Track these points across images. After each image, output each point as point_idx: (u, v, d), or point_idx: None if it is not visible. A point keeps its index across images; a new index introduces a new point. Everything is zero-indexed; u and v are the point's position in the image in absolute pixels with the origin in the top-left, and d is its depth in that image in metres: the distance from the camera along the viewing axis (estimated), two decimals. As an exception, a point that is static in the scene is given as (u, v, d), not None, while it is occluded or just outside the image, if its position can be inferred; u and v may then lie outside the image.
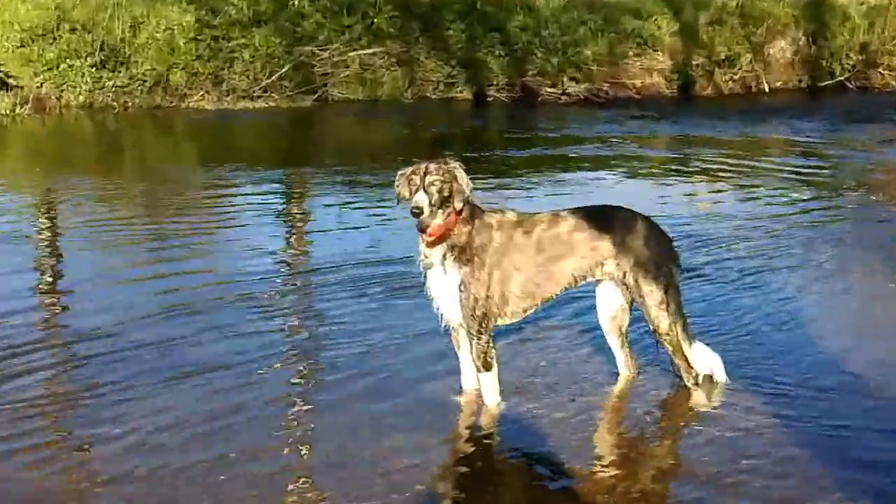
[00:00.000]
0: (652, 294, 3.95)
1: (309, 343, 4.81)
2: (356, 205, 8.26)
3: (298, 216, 8.12)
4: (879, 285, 5.91)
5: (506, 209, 4.00)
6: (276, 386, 4.19)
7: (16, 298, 5.21)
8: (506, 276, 3.81)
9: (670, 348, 3.96)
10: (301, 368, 4.46)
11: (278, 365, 4.41)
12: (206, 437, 3.61)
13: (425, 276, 3.91)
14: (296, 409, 3.96)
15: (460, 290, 3.78)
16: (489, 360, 3.84)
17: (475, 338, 3.84)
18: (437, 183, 3.74)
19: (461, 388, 4.10)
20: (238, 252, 6.48)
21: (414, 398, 4.00)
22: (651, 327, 3.97)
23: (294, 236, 7.37)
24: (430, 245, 3.78)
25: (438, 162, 3.83)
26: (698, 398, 3.94)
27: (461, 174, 3.80)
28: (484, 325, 3.81)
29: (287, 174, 10.23)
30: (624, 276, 3.93)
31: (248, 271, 5.91)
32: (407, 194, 3.80)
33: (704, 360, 4.06)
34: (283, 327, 4.94)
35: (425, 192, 3.73)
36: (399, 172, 3.85)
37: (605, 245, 3.93)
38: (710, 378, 4.05)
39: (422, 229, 3.79)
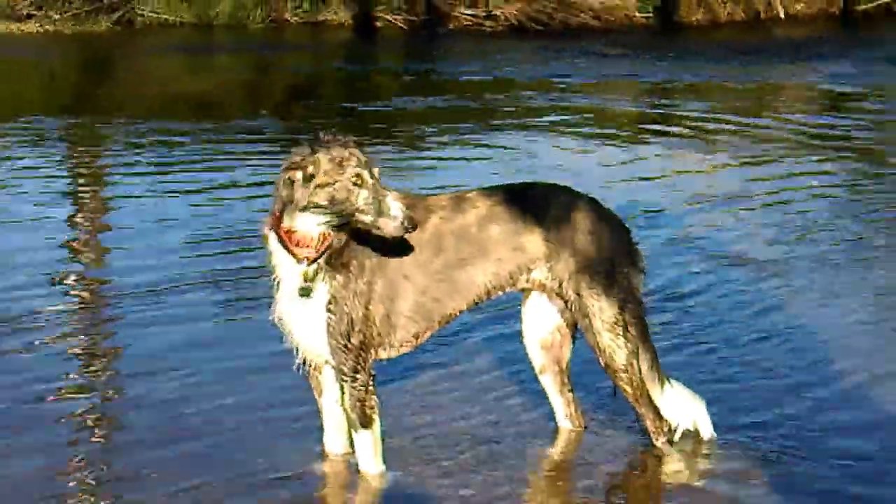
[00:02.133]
0: (602, 312, 4.04)
1: (101, 381, 5.26)
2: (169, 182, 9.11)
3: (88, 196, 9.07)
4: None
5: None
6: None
7: None
8: (391, 289, 3.98)
9: (630, 391, 4.03)
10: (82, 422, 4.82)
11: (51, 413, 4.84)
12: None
13: (275, 297, 4.05)
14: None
15: (328, 311, 3.93)
16: (368, 410, 3.95)
17: (349, 379, 3.96)
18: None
19: (324, 452, 4.22)
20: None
21: (245, 471, 4.10)
22: (601, 361, 4.05)
23: (84, 226, 8.20)
24: (313, 260, 3.92)
25: (334, 140, 3.97)
26: (672, 465, 4.09)
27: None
28: (362, 360, 3.93)
29: (71, 133, 11.06)
30: (560, 286, 4.01)
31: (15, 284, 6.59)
32: (359, 207, 3.89)
33: (682, 407, 4.16)
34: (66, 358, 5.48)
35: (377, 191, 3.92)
36: (303, 170, 3.90)
37: (534, 242, 4.02)
38: (690, 434, 4.17)
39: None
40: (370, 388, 3.99)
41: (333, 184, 3.95)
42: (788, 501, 4.06)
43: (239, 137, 11.17)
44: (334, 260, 3.95)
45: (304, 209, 3.90)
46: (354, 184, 3.94)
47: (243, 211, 8.29)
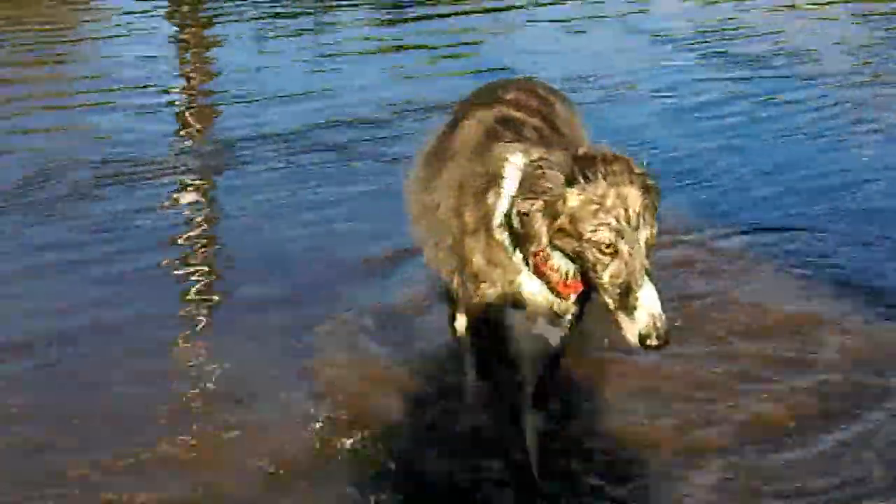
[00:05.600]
0: None
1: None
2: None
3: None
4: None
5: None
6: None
7: None
8: None
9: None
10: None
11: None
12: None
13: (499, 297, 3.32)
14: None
15: (569, 328, 3.40)
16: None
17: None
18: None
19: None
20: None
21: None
22: None
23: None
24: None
25: (604, 164, 2.93)
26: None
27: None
28: None
29: None
30: None
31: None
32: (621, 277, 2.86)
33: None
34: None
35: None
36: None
37: None
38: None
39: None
40: None
41: (578, 238, 2.92)
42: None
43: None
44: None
45: (552, 247, 3.01)
46: (602, 252, 2.89)
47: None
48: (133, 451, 4.10)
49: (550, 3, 12.81)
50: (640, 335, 2.85)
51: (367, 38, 11.17)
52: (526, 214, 2.97)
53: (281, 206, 6.64)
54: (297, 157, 7.46)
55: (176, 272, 5.84)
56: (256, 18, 11.80)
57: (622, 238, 2.84)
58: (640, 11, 12.09)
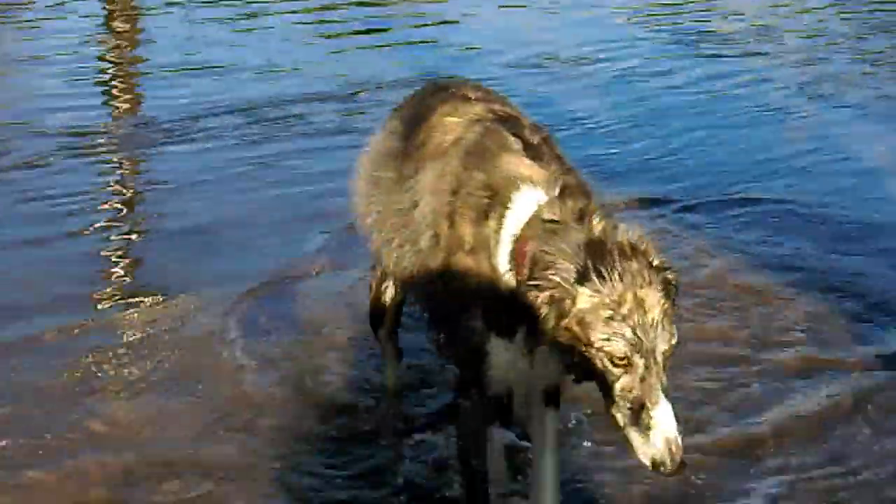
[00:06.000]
0: None
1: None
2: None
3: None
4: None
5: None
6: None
7: None
8: None
9: None
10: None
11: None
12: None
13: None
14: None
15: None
16: None
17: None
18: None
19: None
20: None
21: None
22: None
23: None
24: None
25: (624, 259, 2.62)
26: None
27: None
28: None
29: None
30: None
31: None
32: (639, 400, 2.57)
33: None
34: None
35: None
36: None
37: None
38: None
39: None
40: None
41: (586, 343, 2.63)
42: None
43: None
44: None
45: (554, 345, 2.71)
46: (615, 364, 2.61)
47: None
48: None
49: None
50: (653, 461, 2.57)
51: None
52: (529, 305, 2.67)
53: (210, 181, 6.59)
54: (232, 130, 7.50)
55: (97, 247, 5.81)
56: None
57: (637, 351, 2.55)
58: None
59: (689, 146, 7.18)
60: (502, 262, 2.83)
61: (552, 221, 2.71)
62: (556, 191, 2.81)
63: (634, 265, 2.57)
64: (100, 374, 4.61)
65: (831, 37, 10.23)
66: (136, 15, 10.63)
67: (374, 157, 3.64)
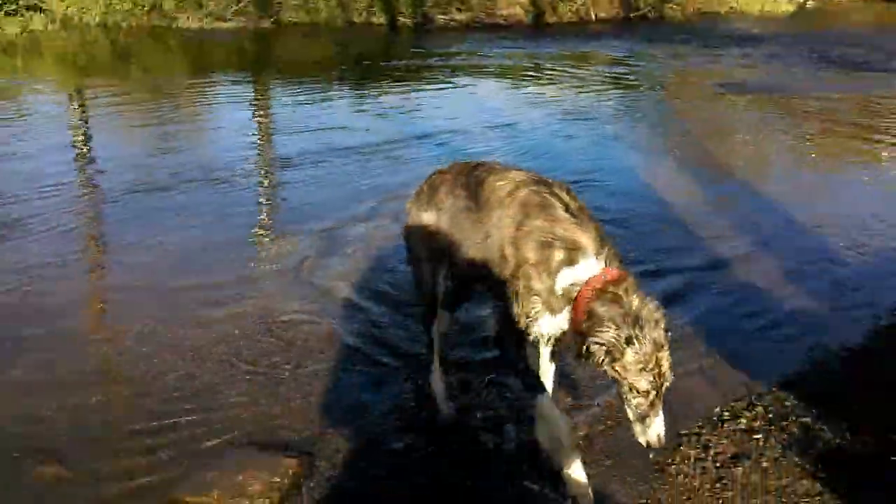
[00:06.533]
0: None
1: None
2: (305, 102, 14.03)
3: (261, 111, 13.68)
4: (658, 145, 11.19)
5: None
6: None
7: (61, 164, 9.99)
8: None
9: None
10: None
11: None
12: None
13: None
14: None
15: None
16: None
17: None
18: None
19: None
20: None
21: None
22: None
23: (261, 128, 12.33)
24: None
25: (649, 334, 3.69)
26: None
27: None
28: None
29: (252, 77, 16.86)
30: None
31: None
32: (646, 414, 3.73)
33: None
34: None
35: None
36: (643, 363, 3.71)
37: None
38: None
39: None
40: None
41: (623, 377, 3.68)
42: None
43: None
44: None
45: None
46: (638, 393, 3.67)
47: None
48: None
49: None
50: (648, 443, 3.71)
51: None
52: (590, 351, 3.66)
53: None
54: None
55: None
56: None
57: (653, 389, 3.61)
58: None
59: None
60: (558, 288, 3.87)
61: (607, 291, 3.67)
62: (604, 261, 3.82)
63: (657, 334, 3.59)
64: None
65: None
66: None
67: (449, 212, 4.49)
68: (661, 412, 3.72)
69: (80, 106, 13.92)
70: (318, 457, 4.65)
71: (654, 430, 3.72)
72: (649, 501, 4.29)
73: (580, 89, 15.34)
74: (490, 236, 4.12)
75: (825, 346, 5.71)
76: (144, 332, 5.99)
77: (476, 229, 4.22)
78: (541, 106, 13.76)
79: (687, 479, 4.43)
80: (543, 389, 4.20)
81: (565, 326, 3.93)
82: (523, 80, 16.60)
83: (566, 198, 3.99)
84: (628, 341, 3.63)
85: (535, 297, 3.92)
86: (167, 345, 5.80)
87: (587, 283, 3.77)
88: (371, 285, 6.65)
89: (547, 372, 4.43)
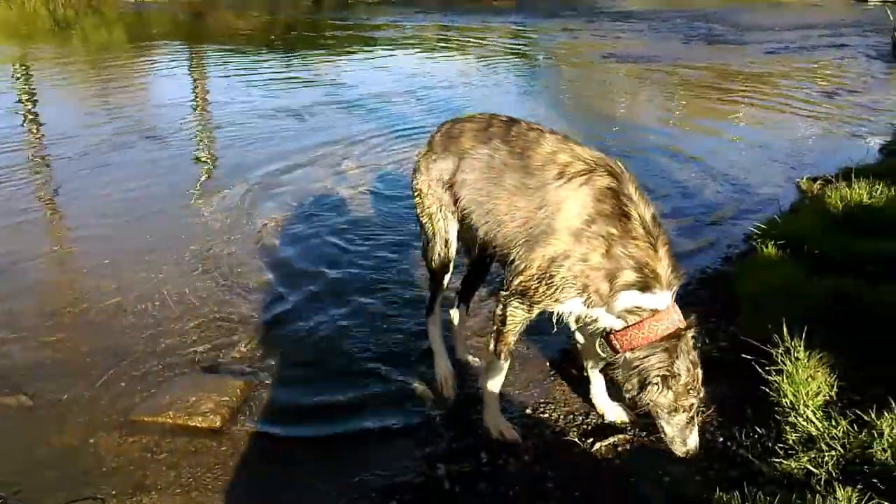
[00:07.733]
0: None
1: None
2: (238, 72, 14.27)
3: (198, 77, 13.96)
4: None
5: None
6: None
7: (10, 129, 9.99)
8: None
9: None
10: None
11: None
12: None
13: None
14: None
15: None
16: None
17: None
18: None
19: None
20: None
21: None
22: None
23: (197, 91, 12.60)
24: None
25: (692, 371, 3.67)
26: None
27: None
28: None
29: (187, 46, 17.08)
30: None
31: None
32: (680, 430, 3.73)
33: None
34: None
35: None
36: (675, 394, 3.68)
37: None
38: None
39: None
40: None
41: (668, 398, 3.63)
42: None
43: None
44: None
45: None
46: (680, 409, 3.64)
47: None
48: None
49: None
50: (685, 454, 3.71)
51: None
52: (652, 380, 3.57)
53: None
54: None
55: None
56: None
57: (695, 406, 3.66)
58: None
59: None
60: (617, 308, 3.58)
61: (672, 337, 3.53)
62: (672, 299, 3.60)
63: (699, 371, 3.61)
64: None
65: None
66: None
67: (481, 159, 3.92)
68: (696, 426, 3.76)
69: (24, 75, 13.75)
70: (262, 378, 4.77)
71: (689, 445, 3.74)
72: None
73: (484, 58, 16.10)
74: (544, 208, 3.68)
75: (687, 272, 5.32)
76: (98, 275, 6.00)
77: (523, 193, 3.77)
78: (450, 71, 14.36)
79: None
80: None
81: (579, 313, 3.72)
82: (435, 49, 17.33)
83: (642, 207, 3.60)
84: (675, 376, 3.60)
85: (570, 287, 3.62)
86: (121, 287, 5.81)
87: (656, 317, 3.58)
88: (300, 222, 6.99)
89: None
